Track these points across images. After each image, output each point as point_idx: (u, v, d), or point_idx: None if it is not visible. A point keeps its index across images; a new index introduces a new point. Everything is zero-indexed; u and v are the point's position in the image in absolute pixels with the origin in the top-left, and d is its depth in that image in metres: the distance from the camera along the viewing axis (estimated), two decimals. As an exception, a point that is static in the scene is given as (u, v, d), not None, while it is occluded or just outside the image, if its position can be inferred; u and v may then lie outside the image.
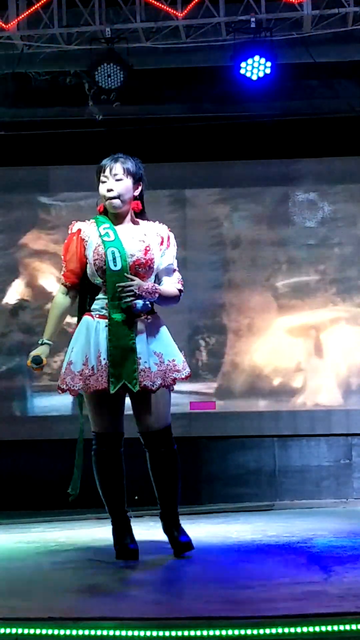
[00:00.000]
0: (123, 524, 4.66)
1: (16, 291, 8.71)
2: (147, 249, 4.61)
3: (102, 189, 4.65)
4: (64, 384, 4.60)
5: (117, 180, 4.63)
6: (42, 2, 7.30)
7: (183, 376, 4.66)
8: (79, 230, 4.69)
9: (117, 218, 4.68)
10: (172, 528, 4.67)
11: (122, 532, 4.65)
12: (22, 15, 7.38)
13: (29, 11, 7.37)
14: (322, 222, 8.50)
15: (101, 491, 4.66)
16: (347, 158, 8.45)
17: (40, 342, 4.67)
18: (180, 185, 8.52)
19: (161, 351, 4.63)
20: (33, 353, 4.64)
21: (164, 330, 4.71)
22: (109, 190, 4.63)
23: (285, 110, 8.29)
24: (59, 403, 8.40)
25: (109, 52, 7.40)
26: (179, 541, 4.64)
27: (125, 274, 4.54)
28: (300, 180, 8.53)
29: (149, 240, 4.65)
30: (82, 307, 4.73)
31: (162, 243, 4.69)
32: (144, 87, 7.93)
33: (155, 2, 7.27)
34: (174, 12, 7.31)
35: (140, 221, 4.74)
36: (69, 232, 4.72)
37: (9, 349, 8.62)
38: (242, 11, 7.34)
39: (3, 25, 7.35)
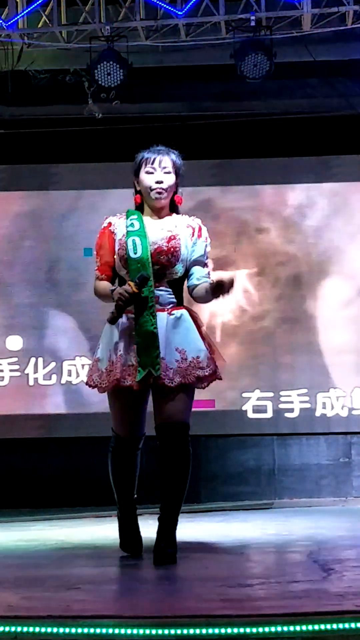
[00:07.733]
0: (130, 519, 4.69)
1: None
2: (172, 237, 4.49)
3: (150, 180, 4.53)
4: (91, 381, 4.51)
5: (165, 173, 4.55)
6: None
7: (206, 373, 4.43)
8: (109, 223, 4.60)
9: (153, 211, 4.58)
10: (163, 535, 4.42)
11: (128, 527, 4.69)
12: (22, 13, 7.38)
13: (29, 9, 7.37)
14: (322, 220, 8.49)
15: (114, 486, 4.67)
16: (346, 156, 8.45)
17: (111, 289, 4.41)
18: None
19: (184, 348, 4.44)
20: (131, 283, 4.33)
21: (190, 325, 4.52)
22: (158, 182, 4.52)
23: (285, 108, 8.29)
24: (60, 402, 8.40)
25: (108, 50, 7.41)
26: (163, 551, 4.37)
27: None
28: (300, 178, 8.52)
29: (178, 231, 4.53)
30: None
31: (192, 235, 4.57)
32: (143, 85, 7.93)
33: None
34: (174, 10, 7.31)
35: (174, 214, 4.63)
36: (101, 227, 4.63)
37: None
38: (242, 9, 7.35)
39: (3, 23, 7.35)
